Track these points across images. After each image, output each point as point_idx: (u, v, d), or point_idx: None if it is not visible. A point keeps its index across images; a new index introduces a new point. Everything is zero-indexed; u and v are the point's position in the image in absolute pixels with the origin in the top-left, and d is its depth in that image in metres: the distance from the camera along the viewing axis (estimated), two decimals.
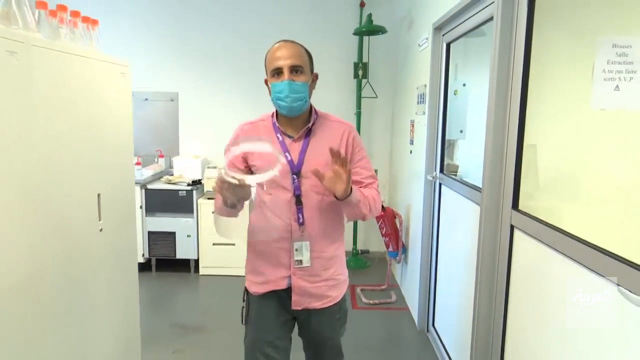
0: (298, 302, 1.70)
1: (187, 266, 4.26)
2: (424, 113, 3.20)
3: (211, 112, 4.69)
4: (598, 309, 1.26)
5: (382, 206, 3.34)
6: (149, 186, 4.13)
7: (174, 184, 4.19)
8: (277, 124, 1.68)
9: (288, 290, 1.70)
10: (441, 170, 3.02)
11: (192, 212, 4.16)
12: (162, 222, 4.17)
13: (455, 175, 3.03)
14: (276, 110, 1.68)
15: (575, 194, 1.73)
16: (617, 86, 1.58)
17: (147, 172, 4.27)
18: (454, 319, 2.66)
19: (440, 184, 3.02)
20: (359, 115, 4.48)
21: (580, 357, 1.37)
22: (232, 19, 4.59)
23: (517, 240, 1.82)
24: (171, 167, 4.58)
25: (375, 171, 1.85)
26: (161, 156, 4.65)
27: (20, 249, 1.68)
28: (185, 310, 3.61)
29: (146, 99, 4.63)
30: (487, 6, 2.09)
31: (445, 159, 3.12)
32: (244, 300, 1.79)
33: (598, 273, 1.25)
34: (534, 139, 1.95)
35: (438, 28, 2.95)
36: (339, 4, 4.55)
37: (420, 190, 3.24)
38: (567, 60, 1.82)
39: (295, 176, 1.63)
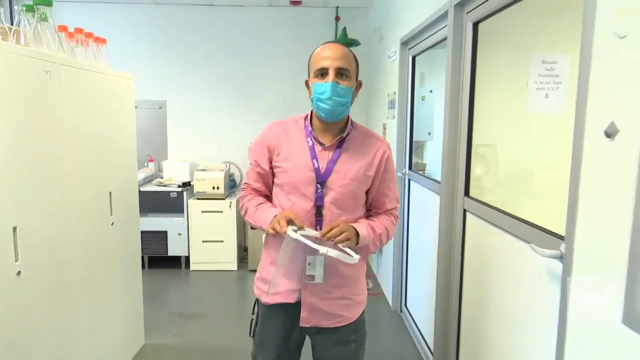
0: (307, 319, 1.59)
1: (179, 262, 4.55)
2: (394, 117, 3.60)
3: (198, 118, 4.99)
4: (518, 261, 1.67)
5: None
6: (141, 188, 4.41)
7: (164, 185, 4.48)
8: (310, 128, 1.59)
9: (297, 305, 1.59)
10: (410, 168, 3.42)
11: (183, 211, 4.45)
12: (154, 222, 4.44)
13: (424, 172, 3.43)
14: (311, 113, 1.61)
15: (528, 187, 2.14)
16: (547, 94, 1.99)
17: (139, 175, 4.55)
18: (422, 298, 3.05)
19: (409, 180, 3.42)
20: None
21: (509, 295, 1.76)
22: (216, 31, 4.92)
23: (468, 220, 2.22)
24: (160, 170, 4.86)
25: None
26: (151, 160, 4.93)
27: (52, 238, 2.00)
28: (180, 301, 3.91)
29: (136, 107, 4.89)
30: (442, 28, 2.50)
31: (415, 158, 3.52)
32: (253, 313, 1.69)
33: (516, 236, 1.66)
34: (491, 139, 2.36)
35: (404, 43, 3.36)
36: (316, 18, 4.93)
37: None
38: (505, 74, 2.24)
39: (319, 185, 1.53)
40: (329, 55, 1.49)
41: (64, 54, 2.16)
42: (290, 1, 4.74)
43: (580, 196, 1.22)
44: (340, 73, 1.49)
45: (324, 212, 1.53)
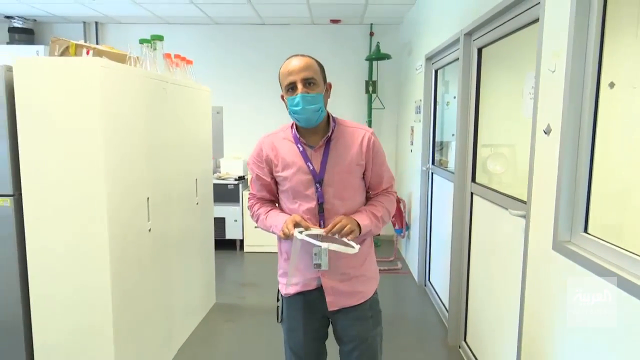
0: (334, 303, 1.73)
1: (234, 245, 5.32)
2: (420, 121, 4.24)
3: (249, 121, 5.76)
4: (499, 223, 2.31)
5: None
6: None
7: (223, 179, 5.26)
8: (297, 135, 1.70)
9: (319, 291, 1.72)
10: (432, 163, 4.05)
11: (238, 201, 5.22)
12: (215, 210, 5.21)
13: (446, 167, 4.05)
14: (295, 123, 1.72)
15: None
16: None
17: None
18: (441, 271, 3.67)
19: (432, 173, 4.05)
20: (369, 123, 5.53)
21: (499, 247, 2.39)
22: (266, 46, 5.67)
23: (474, 202, 2.86)
24: (218, 166, 5.65)
25: None
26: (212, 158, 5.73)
27: (166, 206, 2.78)
28: (239, 274, 4.67)
29: None
30: (455, 50, 3.14)
31: (440, 156, 4.14)
32: (278, 300, 1.86)
33: (501, 206, 2.30)
34: (507, 141, 2.92)
35: (429, 58, 4.00)
36: (354, 33, 5.62)
37: (418, 180, 4.28)
38: (505, 87, 2.85)
39: (318, 185, 1.66)
40: (294, 70, 1.62)
41: (169, 74, 2.93)
42: (331, 20, 5.44)
43: (535, 173, 1.86)
44: (308, 82, 1.61)
45: (326, 207, 1.66)
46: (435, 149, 4.15)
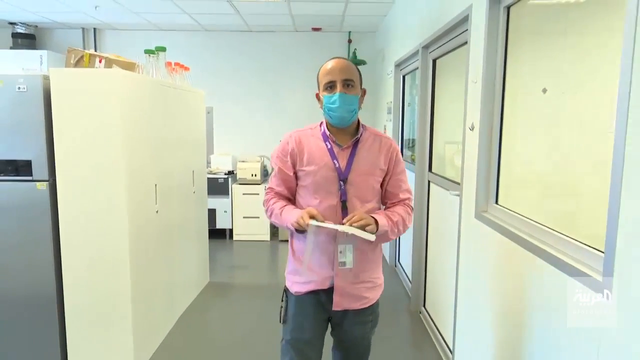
0: (339, 303, 1.76)
1: (224, 234, 5.81)
2: (390, 120, 4.78)
3: (237, 121, 6.24)
4: (445, 203, 2.85)
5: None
6: None
7: (214, 174, 5.74)
8: (327, 133, 1.75)
9: (329, 291, 1.76)
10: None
11: (228, 194, 5.70)
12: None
13: (414, 161, 4.58)
14: (325, 122, 1.77)
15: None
16: None
17: None
18: (409, 252, 4.21)
19: None
20: None
21: (443, 223, 2.92)
22: (252, 51, 6.16)
23: (431, 188, 3.39)
24: (209, 162, 6.12)
25: None
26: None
27: (170, 193, 3.26)
28: (229, 259, 5.16)
29: None
30: (416, 60, 3.68)
31: (410, 152, 4.67)
32: (282, 300, 1.86)
33: (445, 188, 2.84)
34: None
35: (397, 65, 4.53)
36: (333, 41, 6.13)
37: None
38: (454, 92, 3.39)
39: (342, 182, 1.70)
40: (335, 70, 1.68)
41: (170, 79, 3.41)
42: (312, 28, 5.95)
43: (465, 161, 2.39)
44: (347, 84, 1.67)
45: (349, 205, 1.69)
46: (407, 146, 4.69)
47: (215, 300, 3.95)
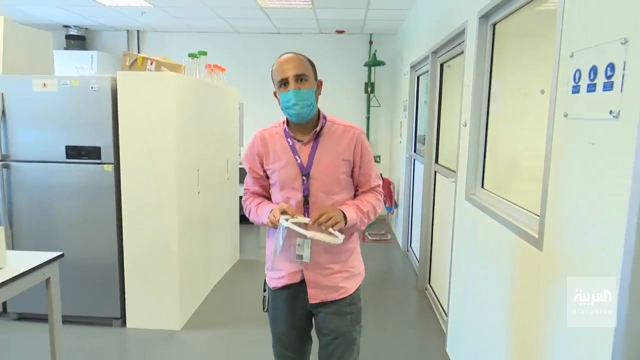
0: (314, 296, 1.76)
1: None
2: (406, 117, 5.20)
3: (265, 116, 6.73)
4: (446, 189, 3.27)
5: (381, 176, 5.35)
6: None
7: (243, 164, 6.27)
8: (287, 130, 1.74)
9: (302, 284, 1.76)
10: (414, 152, 5.02)
11: None
12: None
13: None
14: (287, 118, 1.76)
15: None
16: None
17: None
18: (417, 236, 4.64)
19: (414, 160, 5.02)
20: (368, 119, 6.50)
21: (446, 209, 3.35)
22: (280, 51, 6.58)
23: (437, 177, 3.82)
24: (239, 154, 6.65)
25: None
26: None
27: (211, 177, 3.79)
28: (256, 240, 5.69)
29: None
30: (426, 64, 4.10)
31: (421, 146, 5.09)
32: (265, 290, 1.89)
33: (445, 176, 3.26)
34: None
35: (413, 66, 4.95)
36: (355, 42, 6.58)
37: (403, 165, 5.25)
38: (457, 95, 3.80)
39: (304, 178, 1.70)
40: (286, 67, 1.66)
41: (210, 79, 3.93)
42: (336, 30, 6.41)
43: (460, 152, 2.82)
44: (299, 79, 1.64)
45: (311, 199, 1.70)
46: (419, 141, 5.11)
47: (244, 274, 4.48)
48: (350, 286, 1.80)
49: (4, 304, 3.28)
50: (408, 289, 4.18)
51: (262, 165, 1.78)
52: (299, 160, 1.71)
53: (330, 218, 1.58)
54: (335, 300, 1.77)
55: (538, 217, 1.69)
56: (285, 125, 1.77)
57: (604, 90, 1.26)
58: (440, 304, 3.55)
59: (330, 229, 1.58)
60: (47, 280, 2.04)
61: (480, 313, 2.41)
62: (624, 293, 1.17)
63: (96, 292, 3.21)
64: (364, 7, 4.98)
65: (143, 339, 3.13)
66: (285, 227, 1.56)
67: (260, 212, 1.74)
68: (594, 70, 1.32)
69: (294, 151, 1.72)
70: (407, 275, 4.53)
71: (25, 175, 3.13)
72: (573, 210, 1.46)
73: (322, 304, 1.78)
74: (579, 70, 1.41)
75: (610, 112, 1.22)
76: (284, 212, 1.59)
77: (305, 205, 1.70)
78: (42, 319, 3.17)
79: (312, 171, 1.70)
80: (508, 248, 2.02)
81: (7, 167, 3.12)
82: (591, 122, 1.34)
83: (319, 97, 1.77)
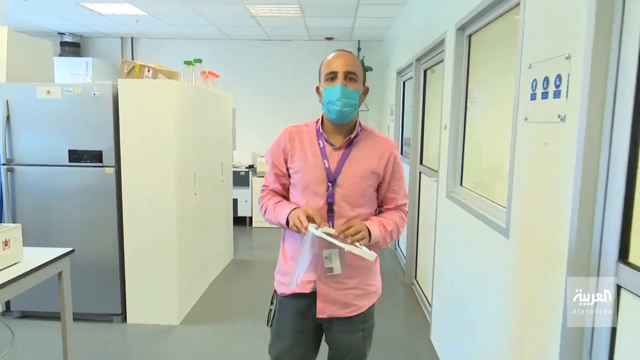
0: (323, 310, 1.65)
1: (245, 221, 6.51)
2: (393, 121, 5.42)
3: (257, 120, 6.94)
4: (429, 188, 3.48)
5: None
6: None
7: (236, 167, 6.44)
8: (321, 130, 1.66)
9: (312, 296, 1.65)
10: (401, 153, 5.23)
11: (248, 185, 6.40)
12: None
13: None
14: (322, 118, 1.68)
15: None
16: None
17: None
18: (404, 233, 4.85)
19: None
20: None
21: (430, 207, 3.55)
22: (271, 58, 6.85)
23: (422, 179, 4.03)
24: (232, 157, 6.82)
25: None
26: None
27: (206, 180, 3.96)
28: (250, 241, 5.86)
29: None
30: (411, 70, 4.32)
31: (406, 147, 5.31)
32: (272, 304, 1.77)
33: (429, 176, 3.47)
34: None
35: (398, 72, 5.17)
36: (343, 48, 6.77)
37: None
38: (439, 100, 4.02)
39: (330, 184, 1.60)
40: (338, 61, 1.59)
41: (204, 86, 4.11)
42: (325, 37, 6.62)
43: (440, 154, 3.03)
44: (349, 77, 1.58)
45: (335, 208, 1.60)
46: (405, 143, 5.32)
47: (238, 273, 4.64)
48: (362, 304, 1.70)
49: (8, 302, 3.42)
50: (396, 284, 4.38)
51: (285, 162, 1.69)
52: (327, 165, 1.62)
53: (359, 231, 1.50)
54: (348, 318, 1.69)
55: (505, 209, 1.90)
56: (319, 124, 1.68)
57: (554, 98, 1.47)
58: (426, 297, 3.75)
59: (357, 243, 1.48)
60: (60, 274, 2.19)
61: (460, 302, 2.61)
62: (569, 272, 1.37)
63: (98, 290, 3.36)
64: (352, 15, 5.20)
65: (143, 334, 3.29)
66: (316, 236, 1.44)
67: (278, 212, 1.63)
68: (546, 80, 1.53)
69: (323, 154, 1.63)
70: (395, 272, 4.73)
71: (29, 178, 3.28)
72: (530, 201, 1.67)
73: (335, 320, 1.69)
74: (535, 79, 1.62)
75: (559, 116, 1.43)
76: (309, 218, 1.50)
77: (330, 213, 1.61)
78: (44, 316, 3.34)
79: (340, 179, 1.61)
80: (482, 239, 2.23)
81: (11, 170, 3.27)
82: (545, 125, 1.55)
83: (362, 104, 1.69)
